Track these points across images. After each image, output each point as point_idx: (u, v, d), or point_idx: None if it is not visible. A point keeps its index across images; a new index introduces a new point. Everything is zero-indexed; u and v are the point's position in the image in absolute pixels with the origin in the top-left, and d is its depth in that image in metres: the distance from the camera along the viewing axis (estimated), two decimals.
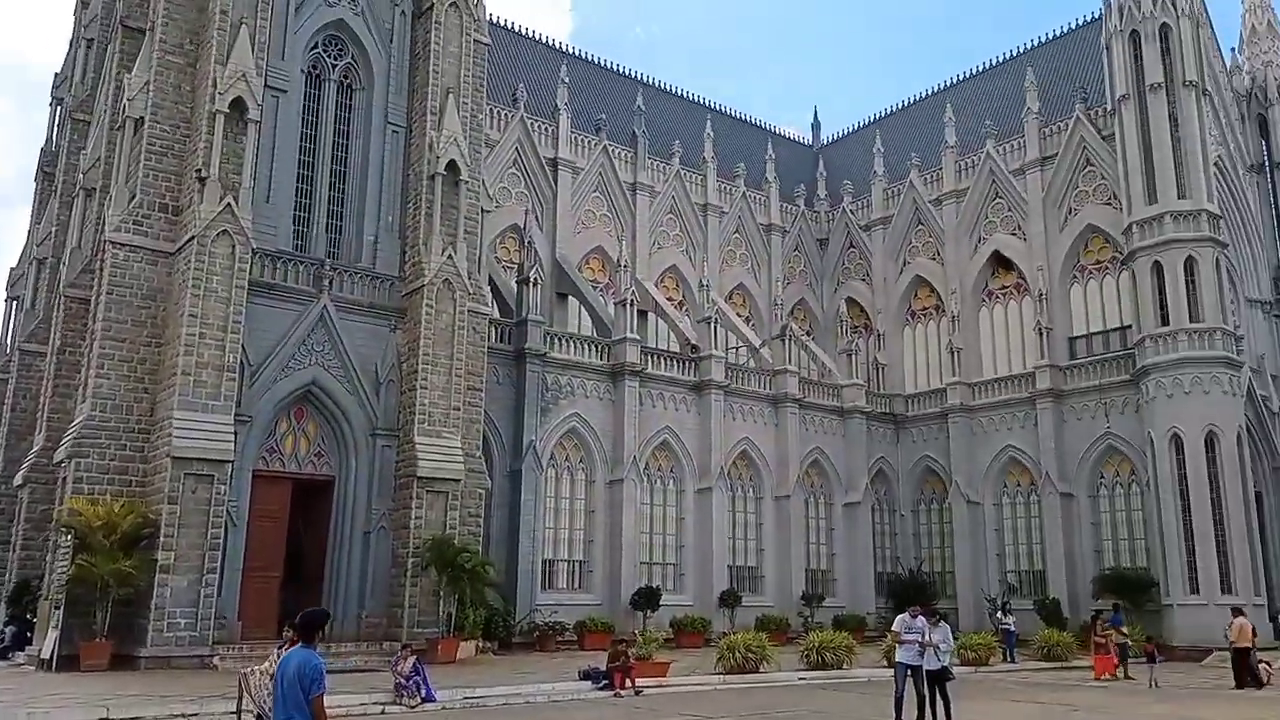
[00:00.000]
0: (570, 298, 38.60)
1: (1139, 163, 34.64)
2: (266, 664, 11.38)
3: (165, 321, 23.90)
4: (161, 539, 21.49)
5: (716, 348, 36.75)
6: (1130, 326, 35.76)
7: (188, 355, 22.60)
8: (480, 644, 25.71)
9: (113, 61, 28.68)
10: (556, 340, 33.21)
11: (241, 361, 23.78)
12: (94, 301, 24.75)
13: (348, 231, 27.90)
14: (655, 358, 35.61)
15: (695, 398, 36.03)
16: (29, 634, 24.95)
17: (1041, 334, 37.92)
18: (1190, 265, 33.18)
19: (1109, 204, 37.73)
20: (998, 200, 41.65)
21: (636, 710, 17.74)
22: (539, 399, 31.87)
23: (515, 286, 33.64)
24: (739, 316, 43.29)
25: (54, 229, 32.38)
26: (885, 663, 21.75)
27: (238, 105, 24.34)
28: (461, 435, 26.59)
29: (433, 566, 24.55)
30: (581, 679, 20.45)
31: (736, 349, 40.58)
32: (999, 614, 31.06)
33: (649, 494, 34.54)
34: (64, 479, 23.38)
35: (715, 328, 37.04)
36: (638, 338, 34.91)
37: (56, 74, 36.77)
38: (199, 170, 23.81)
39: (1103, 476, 36.36)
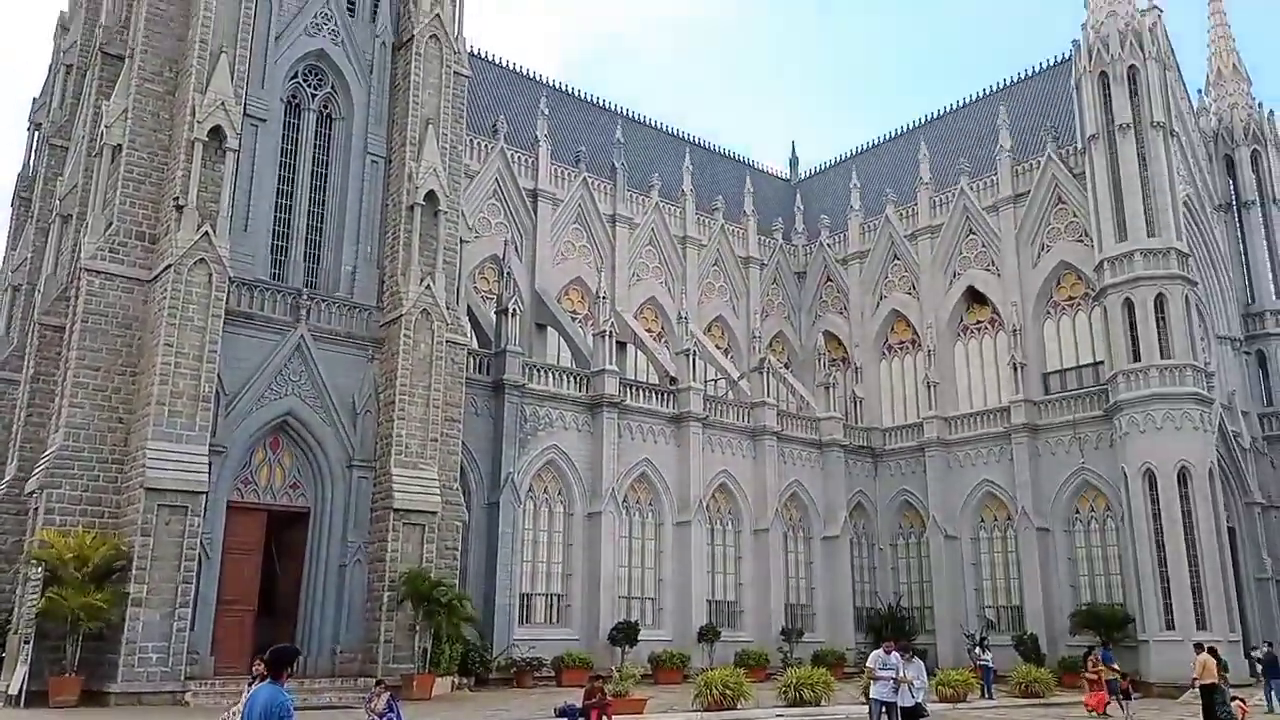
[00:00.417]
0: (549, 329, 38.56)
1: (1109, 201, 35.24)
2: (239, 704, 11.17)
3: (140, 350, 23.63)
4: (134, 571, 21.12)
5: (695, 380, 36.79)
6: (1103, 362, 36.20)
7: (163, 385, 22.34)
8: (456, 680, 25.35)
9: (91, 88, 28.53)
10: (535, 371, 33.13)
11: (217, 391, 23.55)
12: (69, 329, 24.45)
13: (326, 261, 27.81)
14: (634, 390, 35.59)
15: (674, 430, 36.00)
16: None
17: (1016, 369, 38.27)
18: (1160, 302, 33.66)
19: (1081, 241, 38.29)
20: (972, 236, 42.18)
21: None
22: (517, 430, 31.72)
23: (494, 317, 33.59)
24: (718, 349, 43.41)
25: (29, 255, 31.95)
26: (863, 699, 21.51)
27: (216, 134, 24.30)
28: (439, 467, 26.39)
29: (408, 600, 24.24)
30: (557, 716, 20.08)
31: (715, 381, 40.64)
32: (977, 650, 31.02)
33: (627, 527, 34.36)
34: (35, 509, 22.93)
35: (694, 360, 37.11)
36: (616, 369, 34.90)
37: (35, 98, 36.52)
38: (176, 198, 23.69)
39: (1078, 511, 36.58)
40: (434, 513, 25.66)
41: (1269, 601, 36.98)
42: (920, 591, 39.99)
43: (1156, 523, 31.95)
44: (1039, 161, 40.04)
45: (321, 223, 28.10)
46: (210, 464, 22.81)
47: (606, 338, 34.54)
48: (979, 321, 42.12)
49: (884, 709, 16.04)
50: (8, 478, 26.77)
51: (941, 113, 49.49)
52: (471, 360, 30.60)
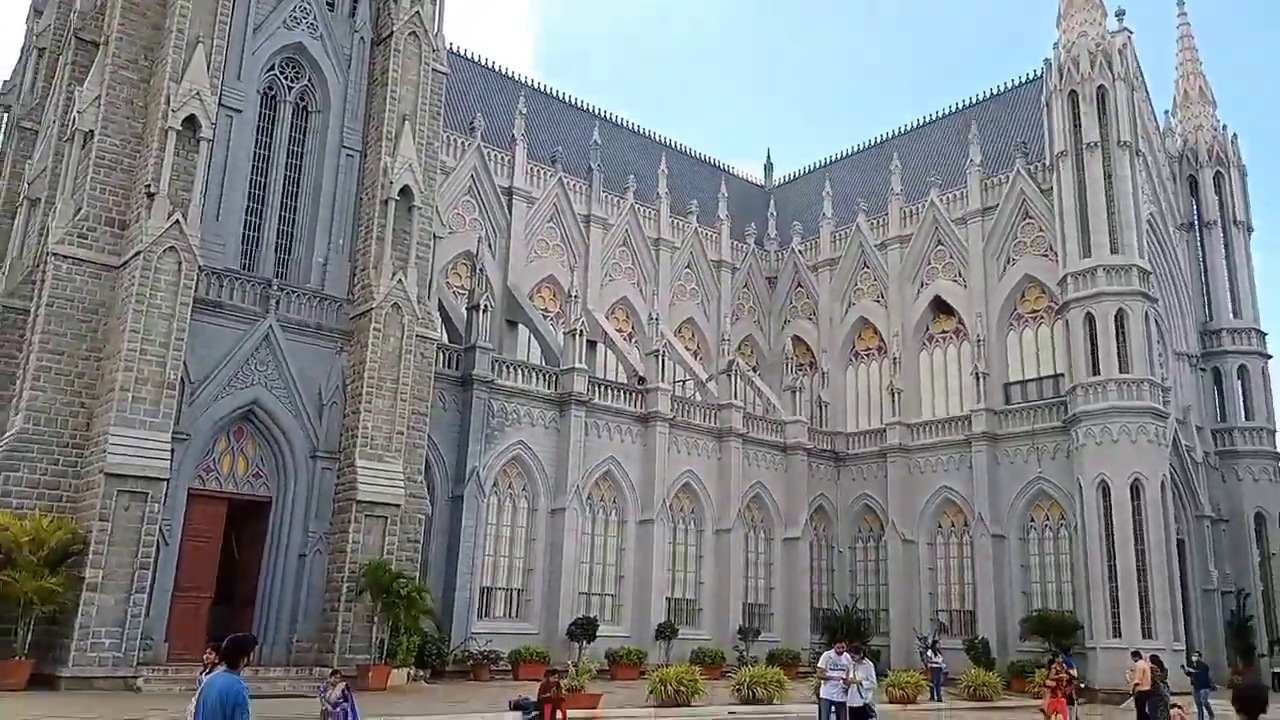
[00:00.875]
0: (520, 326, 38.81)
1: (1075, 217, 35.94)
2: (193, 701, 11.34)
3: (106, 336, 23.67)
4: (90, 556, 21.16)
5: (664, 380, 37.16)
6: (1063, 375, 36.94)
7: (128, 371, 22.40)
8: (413, 672, 25.56)
9: (64, 73, 28.46)
10: (504, 368, 33.38)
11: (182, 378, 23.62)
12: (33, 313, 24.45)
13: (297, 252, 27.91)
14: (602, 388, 35.92)
15: (641, 429, 36.36)
16: None
17: (978, 378, 38.96)
18: (1121, 318, 34.39)
19: (1046, 255, 39.02)
20: (940, 247, 42.84)
21: None
22: (484, 425, 31.96)
23: (465, 313, 33.79)
24: (687, 350, 43.83)
25: None
26: (815, 698, 22.02)
27: (190, 123, 24.36)
28: (404, 460, 26.58)
29: (368, 592, 24.43)
30: (512, 710, 20.41)
31: (683, 382, 41.04)
32: (929, 652, 31.64)
33: (590, 524, 34.69)
34: None
35: (663, 360, 37.46)
36: (586, 368, 35.21)
37: (5, 81, 36.24)
38: (148, 185, 23.73)
39: (1033, 520, 37.32)
40: (397, 505, 25.86)
41: (1214, 613, 37.88)
42: (877, 594, 40.62)
43: (1108, 533, 32.68)
44: (1008, 176, 40.75)
45: (294, 214, 28.18)
46: (172, 451, 22.88)
47: (577, 336, 34.84)
48: (944, 331, 42.81)
49: (833, 708, 16.50)
50: None
51: (915, 125, 50.16)
52: (441, 355, 30.80)
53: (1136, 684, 22.49)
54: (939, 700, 28.34)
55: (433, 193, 29.99)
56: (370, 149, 28.89)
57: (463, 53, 43.80)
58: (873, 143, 51.71)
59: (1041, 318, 39.74)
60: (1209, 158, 45.58)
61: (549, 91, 48.05)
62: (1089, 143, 36.24)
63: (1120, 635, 31.41)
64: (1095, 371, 34.32)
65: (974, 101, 47.43)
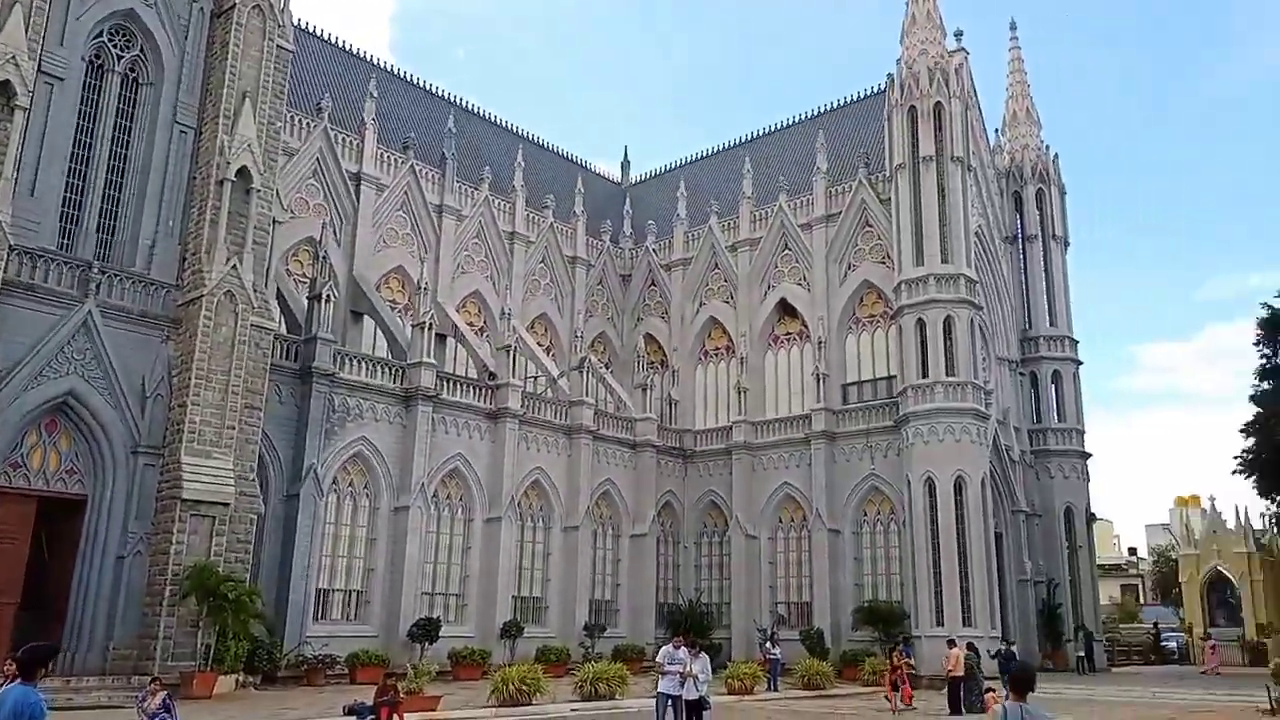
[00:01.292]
0: (366, 317, 37.63)
1: (910, 227, 37.76)
2: None
3: None
4: None
5: (515, 376, 36.85)
6: (895, 376, 38.81)
7: None
8: (241, 678, 24.47)
9: None
10: (347, 360, 32.33)
11: None
12: None
13: (121, 233, 26.23)
14: (451, 383, 35.31)
15: (490, 425, 35.96)
16: None
17: (819, 379, 40.47)
18: (949, 324, 36.37)
19: (883, 263, 40.87)
20: (786, 251, 44.23)
21: None
22: (324, 420, 30.86)
23: (306, 302, 32.51)
24: (539, 346, 43.62)
25: None
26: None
27: (4, 89, 22.60)
28: (235, 456, 25.38)
29: (193, 595, 23.23)
30: (346, 714, 19.80)
31: (535, 378, 40.85)
32: (767, 644, 32.65)
33: (435, 522, 34.06)
34: None
35: (515, 356, 37.15)
36: (434, 362, 34.52)
37: None
38: None
39: (866, 515, 39.09)
40: (226, 504, 24.68)
41: (1027, 602, 40.68)
42: (720, 588, 41.64)
43: (934, 527, 34.52)
44: (851, 185, 42.44)
45: (120, 193, 26.48)
46: None
47: (425, 329, 34.10)
48: (789, 333, 44.24)
49: (669, 702, 16.78)
50: None
51: (767, 131, 51.51)
52: (279, 346, 29.54)
53: (950, 670, 24.02)
54: (775, 690, 29.28)
55: (274, 175, 28.67)
56: (206, 126, 27.44)
57: (313, 30, 42.14)
58: (727, 146, 52.80)
59: (878, 322, 41.60)
60: (1032, 175, 48.69)
61: (404, 76, 46.85)
62: (925, 156, 38.11)
63: (943, 624, 33.22)
64: (925, 374, 36.16)
65: (824, 110, 49.09)
